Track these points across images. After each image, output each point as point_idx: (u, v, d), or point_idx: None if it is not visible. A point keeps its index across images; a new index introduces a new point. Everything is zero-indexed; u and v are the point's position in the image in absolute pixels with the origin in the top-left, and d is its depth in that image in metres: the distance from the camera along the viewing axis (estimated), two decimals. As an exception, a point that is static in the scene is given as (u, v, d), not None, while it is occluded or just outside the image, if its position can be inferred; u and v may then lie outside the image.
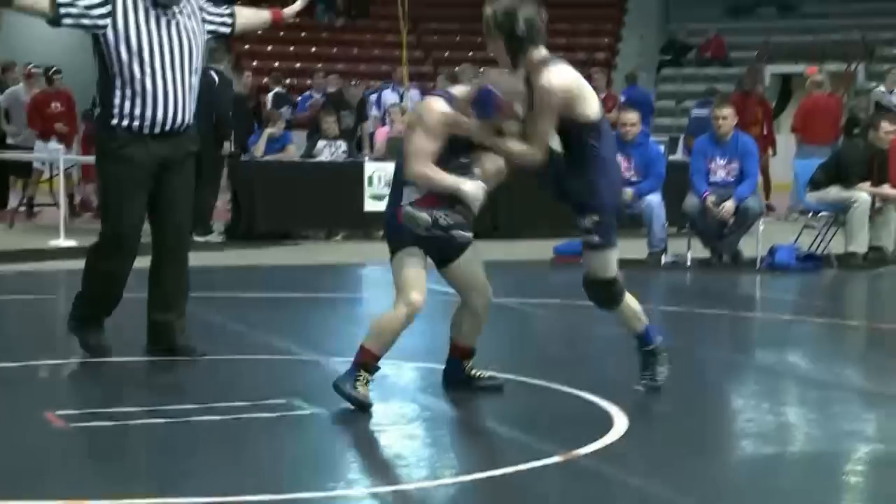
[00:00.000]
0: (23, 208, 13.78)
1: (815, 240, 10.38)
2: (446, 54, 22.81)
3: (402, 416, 4.73)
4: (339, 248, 11.61)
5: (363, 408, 4.61)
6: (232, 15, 5.95)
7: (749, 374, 5.99)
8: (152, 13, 5.51)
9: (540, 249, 10.56)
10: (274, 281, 9.11)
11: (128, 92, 5.48)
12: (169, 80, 5.52)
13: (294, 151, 12.57)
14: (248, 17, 6.14)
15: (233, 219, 12.06)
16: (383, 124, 14.09)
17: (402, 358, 5.78)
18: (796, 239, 10.32)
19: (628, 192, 10.06)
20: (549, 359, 6.14)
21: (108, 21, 5.44)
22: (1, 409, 4.75)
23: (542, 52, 4.75)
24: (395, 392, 5.15)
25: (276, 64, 23.07)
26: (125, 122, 5.50)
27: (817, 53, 22.62)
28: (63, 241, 10.81)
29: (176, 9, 5.57)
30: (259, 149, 12.24)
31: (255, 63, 23.06)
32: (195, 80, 5.67)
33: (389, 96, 15.15)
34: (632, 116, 10.33)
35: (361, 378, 4.68)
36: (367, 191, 11.93)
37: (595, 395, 4.96)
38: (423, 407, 4.87)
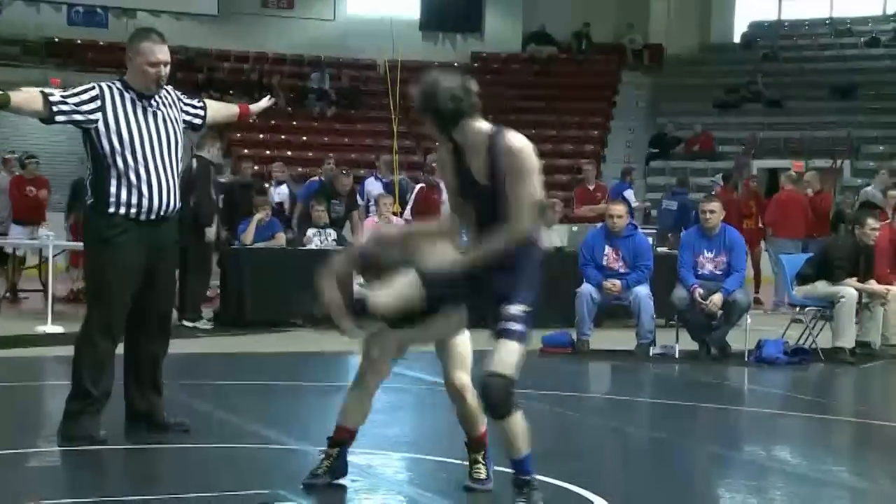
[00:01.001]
0: (8, 294, 13.77)
1: (802, 334, 10.40)
2: (437, 143, 23.00)
3: (388, 507, 4.69)
4: (327, 336, 11.56)
5: None
6: (203, 107, 6.19)
7: (736, 468, 5.96)
8: (138, 105, 5.75)
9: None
10: (262, 368, 9.07)
11: (122, 181, 5.64)
12: (159, 167, 5.71)
13: (283, 239, 12.61)
14: (217, 109, 6.40)
15: (222, 306, 12.04)
16: (368, 213, 14.15)
17: (390, 448, 5.75)
18: (784, 333, 10.35)
19: (616, 283, 10.11)
20: (536, 450, 6.10)
21: (99, 115, 5.66)
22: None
23: (481, 123, 4.54)
24: (382, 483, 5.11)
25: (267, 152, 23.25)
26: (122, 210, 5.65)
27: (804, 149, 22.92)
28: (50, 328, 10.76)
29: (158, 100, 5.80)
30: (248, 236, 12.27)
31: (245, 151, 23.24)
32: (179, 167, 5.89)
33: (372, 185, 15.24)
34: (620, 208, 10.41)
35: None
36: (357, 279, 11.92)
37: (582, 487, 4.93)
38: (411, 499, 4.83)
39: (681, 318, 10.12)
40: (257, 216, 12.42)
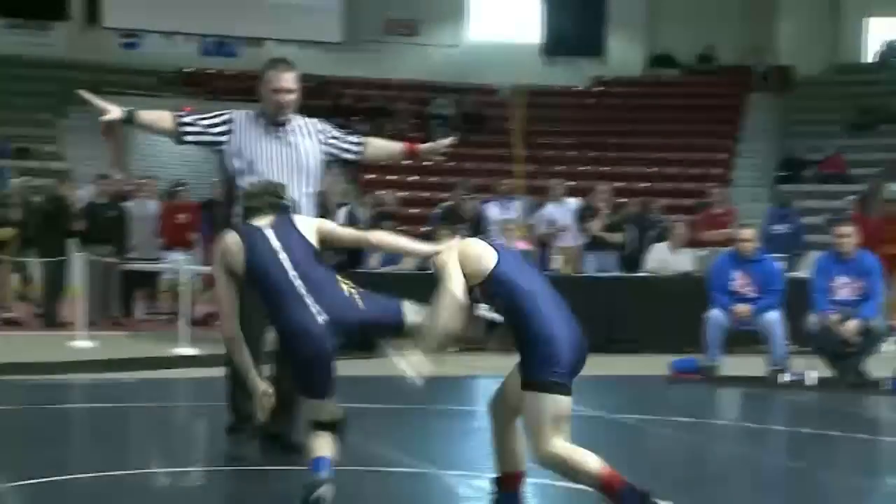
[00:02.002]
0: (146, 315, 14.14)
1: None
2: (560, 168, 22.95)
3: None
4: (456, 360, 11.58)
5: None
6: (360, 143, 6.24)
7: (874, 500, 5.77)
8: (269, 131, 5.99)
9: (657, 365, 10.42)
10: (390, 391, 9.11)
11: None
12: None
13: (410, 263, 12.67)
14: (380, 147, 6.40)
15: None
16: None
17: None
18: (923, 360, 10.03)
19: (746, 308, 9.93)
20: (667, 478, 6.01)
21: (228, 138, 5.94)
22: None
23: None
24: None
25: (392, 177, 23.46)
26: None
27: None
28: (185, 350, 11.00)
29: (288, 128, 5.99)
30: (373, 261, 12.38)
31: (371, 176, 23.50)
32: (309, 191, 6.00)
33: (492, 210, 15.26)
34: (749, 233, 10.24)
35: None
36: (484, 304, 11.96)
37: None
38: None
39: (814, 344, 9.88)
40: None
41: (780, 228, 14.76)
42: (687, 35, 27.77)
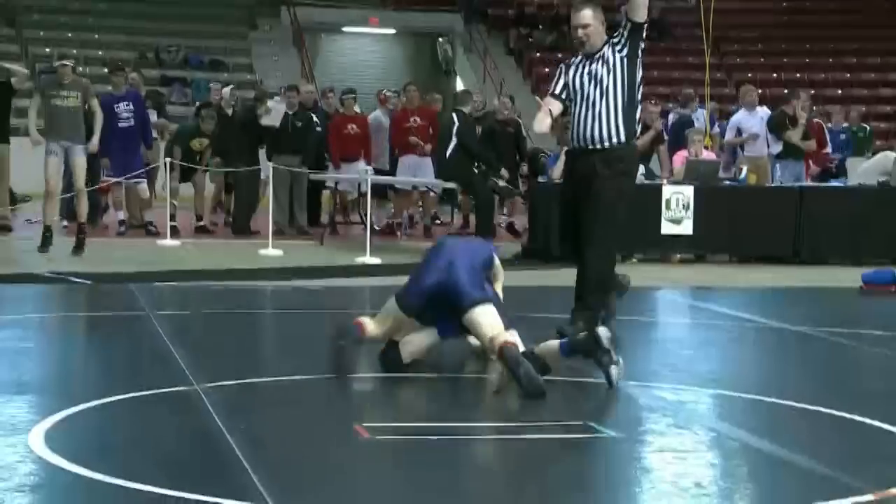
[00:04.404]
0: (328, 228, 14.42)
1: None
2: (748, 75, 22.26)
3: (702, 443, 4.61)
4: (636, 270, 11.48)
5: None
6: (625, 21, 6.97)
7: None
8: (584, 63, 7.08)
9: (846, 276, 10.09)
10: (567, 302, 9.10)
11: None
12: (591, 108, 6.96)
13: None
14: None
15: (530, 239, 12.17)
16: (677, 147, 13.86)
17: (700, 384, 5.65)
18: None
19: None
20: (863, 392, 5.83)
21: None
22: (312, 419, 4.94)
23: None
24: (693, 419, 5.03)
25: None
26: None
27: None
28: (369, 259, 11.21)
29: (599, 56, 6.98)
30: (557, 170, 12.28)
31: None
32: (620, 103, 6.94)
33: (672, 118, 14.92)
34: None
35: None
36: (665, 214, 11.80)
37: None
38: (724, 435, 4.72)
39: None
40: (565, 150, 12.40)
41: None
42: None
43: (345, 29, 26.71)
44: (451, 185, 12.91)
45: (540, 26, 24.64)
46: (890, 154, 12.68)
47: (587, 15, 6.89)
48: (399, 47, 27.56)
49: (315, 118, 14.54)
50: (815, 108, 15.52)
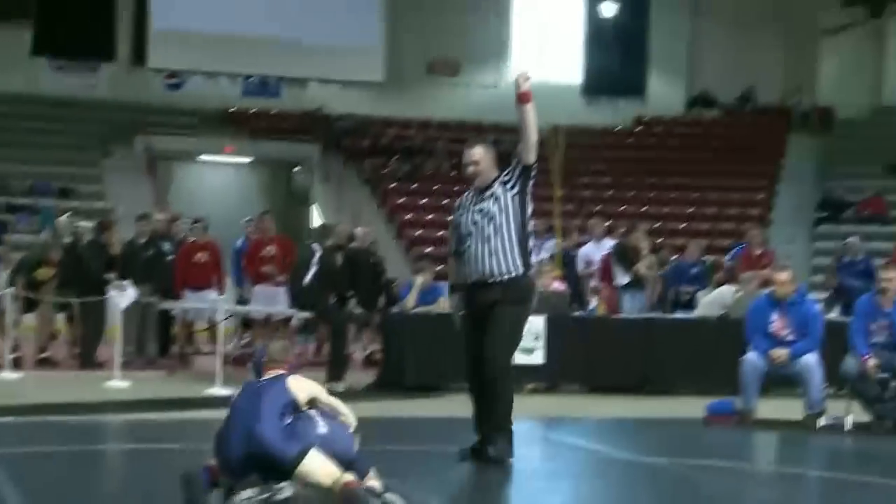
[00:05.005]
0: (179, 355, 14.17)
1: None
2: (597, 208, 22.92)
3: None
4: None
5: None
6: (516, 154, 7.41)
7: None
8: (474, 198, 7.48)
9: (692, 406, 10.34)
10: (421, 433, 9.09)
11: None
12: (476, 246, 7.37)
13: (446, 304, 12.65)
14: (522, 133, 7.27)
15: (383, 369, 12.16)
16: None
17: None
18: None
19: (782, 353, 9.82)
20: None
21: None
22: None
23: None
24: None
25: (430, 217, 23.52)
26: None
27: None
28: (220, 390, 11.03)
29: (488, 191, 7.37)
30: (410, 301, 12.38)
31: (407, 216, 23.54)
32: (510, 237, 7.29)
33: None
34: (786, 275, 10.14)
35: None
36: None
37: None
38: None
39: (852, 388, 9.77)
40: (419, 280, 12.53)
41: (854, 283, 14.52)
42: (727, 75, 27.78)
43: (200, 157, 26.68)
44: (305, 314, 12.87)
45: (395, 157, 25.02)
46: (730, 288, 13.13)
47: (478, 152, 7.37)
48: (255, 176, 27.61)
49: (166, 246, 14.38)
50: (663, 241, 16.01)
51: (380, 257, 15.12)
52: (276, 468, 5.17)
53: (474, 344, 7.26)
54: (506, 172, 7.31)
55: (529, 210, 7.33)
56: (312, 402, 5.56)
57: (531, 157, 7.23)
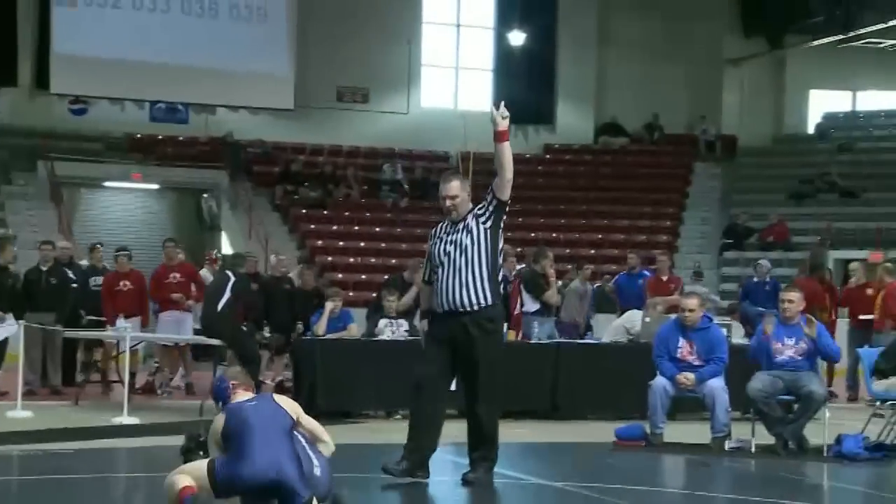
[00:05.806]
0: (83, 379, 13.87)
1: (883, 429, 10.13)
2: (507, 234, 23.06)
3: None
4: (399, 426, 11.51)
5: None
6: (492, 192, 7.70)
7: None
8: (450, 228, 7.73)
9: (601, 431, 10.41)
10: (333, 460, 9.01)
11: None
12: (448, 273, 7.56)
13: (356, 330, 12.64)
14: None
15: (293, 396, 12.06)
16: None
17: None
18: (864, 428, 10.08)
19: (689, 377, 9.96)
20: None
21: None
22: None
23: None
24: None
25: (341, 244, 23.46)
26: None
27: (881, 240, 22.60)
28: (126, 419, 10.84)
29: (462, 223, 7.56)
30: (321, 327, 12.33)
31: (319, 243, 23.45)
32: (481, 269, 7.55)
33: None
34: (693, 302, 10.30)
35: None
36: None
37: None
38: None
39: (756, 410, 9.93)
40: (329, 306, 12.49)
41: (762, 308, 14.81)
42: (635, 104, 28.17)
43: (106, 184, 26.28)
44: (214, 341, 12.72)
45: (305, 183, 24.93)
46: (637, 312, 13.29)
47: (455, 186, 7.55)
48: (163, 202, 27.28)
49: (70, 274, 14.13)
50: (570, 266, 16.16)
51: (294, 284, 15.03)
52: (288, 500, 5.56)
53: (432, 362, 7.56)
54: (480, 206, 7.53)
55: (501, 243, 7.56)
56: (298, 422, 5.94)
57: (506, 193, 7.49)
